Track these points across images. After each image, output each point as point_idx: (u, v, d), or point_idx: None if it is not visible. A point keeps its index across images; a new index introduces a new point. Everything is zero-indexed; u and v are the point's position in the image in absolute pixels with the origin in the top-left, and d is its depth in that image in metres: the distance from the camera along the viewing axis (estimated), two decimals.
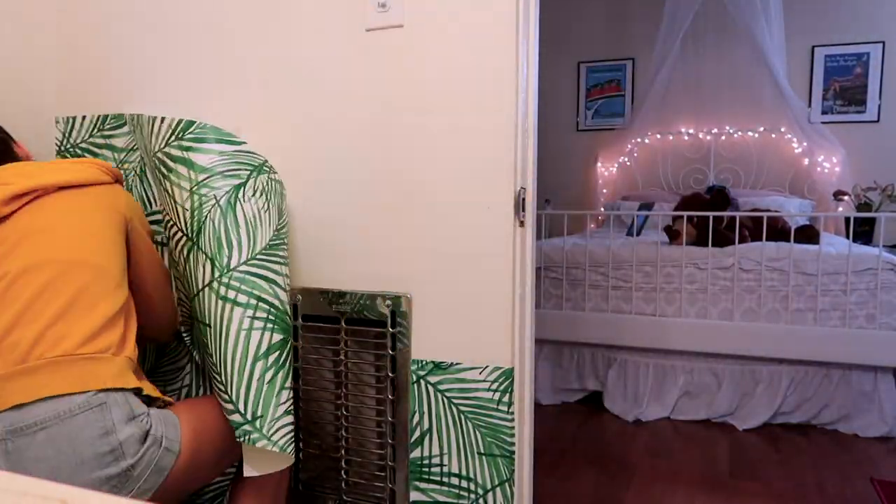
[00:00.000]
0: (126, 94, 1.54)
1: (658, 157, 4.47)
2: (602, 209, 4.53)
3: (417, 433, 1.34)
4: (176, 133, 1.17)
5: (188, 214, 1.14)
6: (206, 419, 1.12)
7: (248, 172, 1.19)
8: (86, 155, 1.56)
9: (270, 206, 1.20)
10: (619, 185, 4.62)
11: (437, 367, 1.31)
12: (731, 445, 2.39)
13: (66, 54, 1.60)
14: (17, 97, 1.58)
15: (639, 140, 4.51)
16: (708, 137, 4.33)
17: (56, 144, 1.60)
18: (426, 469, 1.34)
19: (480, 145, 1.26)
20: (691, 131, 4.39)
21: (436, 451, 1.32)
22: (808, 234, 2.82)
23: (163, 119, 1.19)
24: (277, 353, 1.14)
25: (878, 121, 4.02)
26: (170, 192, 1.17)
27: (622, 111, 4.63)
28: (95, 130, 1.55)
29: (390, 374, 1.35)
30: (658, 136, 4.47)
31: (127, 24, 1.54)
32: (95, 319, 1.00)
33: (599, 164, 4.67)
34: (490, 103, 1.24)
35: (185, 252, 1.15)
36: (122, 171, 1.23)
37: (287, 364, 1.17)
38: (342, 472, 1.42)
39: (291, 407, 1.14)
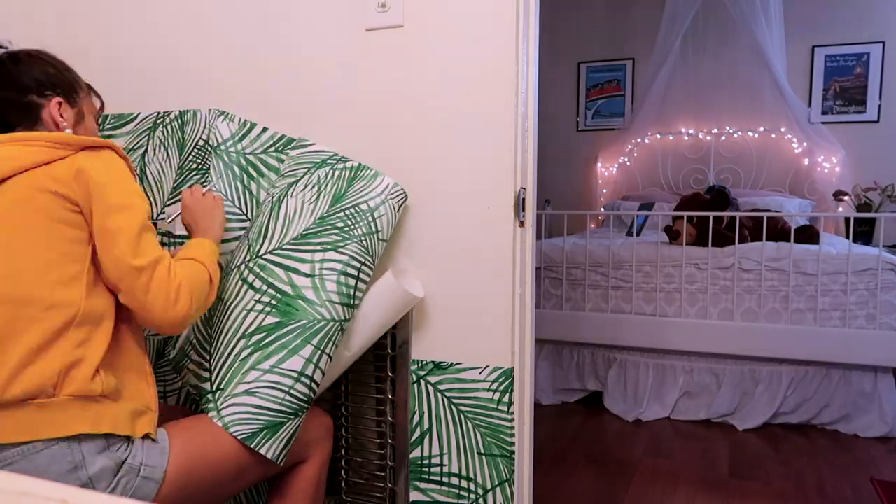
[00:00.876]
0: (126, 93, 1.54)
1: (658, 157, 4.47)
2: (602, 209, 4.53)
3: (417, 433, 1.34)
4: (276, 145, 1.36)
5: (258, 210, 1.32)
6: (204, 442, 1.04)
7: (305, 170, 1.29)
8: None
9: (322, 195, 1.26)
10: (619, 185, 4.61)
11: (437, 367, 1.31)
12: (731, 445, 2.39)
13: (66, 54, 1.60)
14: None
15: (639, 140, 4.51)
16: (708, 137, 4.33)
17: None
18: (426, 469, 1.34)
19: (480, 145, 1.26)
20: (691, 131, 4.39)
21: (436, 451, 1.32)
22: (808, 235, 2.82)
23: (265, 129, 1.38)
24: (263, 334, 1.14)
25: (878, 121, 4.02)
26: (254, 192, 1.35)
27: (622, 111, 4.63)
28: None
29: (390, 374, 1.35)
30: (658, 136, 4.47)
31: (128, 25, 1.54)
32: (13, 357, 0.88)
33: (599, 164, 4.66)
34: (490, 103, 1.24)
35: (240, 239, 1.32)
36: (106, 140, 1.02)
37: (270, 347, 1.12)
38: (342, 472, 1.42)
39: (257, 389, 1.09)
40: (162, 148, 1.49)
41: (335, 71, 1.36)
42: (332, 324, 1.15)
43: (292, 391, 1.10)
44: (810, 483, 2.07)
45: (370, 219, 1.21)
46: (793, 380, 2.55)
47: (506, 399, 1.26)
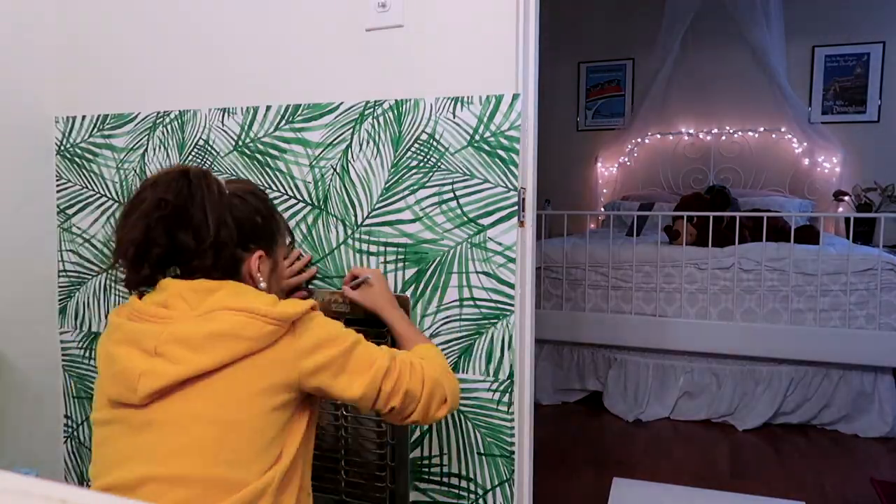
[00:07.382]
0: (126, 93, 1.54)
1: (658, 157, 4.47)
2: (602, 209, 4.53)
3: (417, 433, 1.34)
4: (286, 117, 1.37)
5: (311, 186, 1.36)
6: None
7: (350, 130, 1.33)
8: (86, 155, 1.55)
9: (381, 144, 1.30)
10: (619, 185, 4.61)
11: None
12: (731, 445, 2.39)
13: (66, 53, 1.60)
14: (16, 96, 1.58)
15: (639, 140, 4.51)
16: (708, 137, 4.33)
17: (56, 144, 1.60)
18: (426, 469, 1.34)
19: None
20: (691, 131, 4.39)
21: (436, 451, 1.32)
22: (808, 235, 2.82)
23: (268, 107, 1.39)
24: (413, 286, 1.29)
25: (878, 121, 4.02)
26: (284, 170, 1.38)
27: (622, 111, 4.63)
28: (95, 130, 1.55)
29: None
30: (658, 136, 4.47)
31: (127, 24, 1.54)
32: None
33: (599, 164, 4.67)
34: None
35: (312, 219, 1.37)
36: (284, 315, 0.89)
37: (426, 292, 1.27)
38: (342, 472, 1.42)
39: (439, 329, 1.27)
40: (162, 147, 1.49)
41: (335, 71, 1.35)
42: (459, 246, 1.26)
43: (463, 316, 1.26)
44: (810, 483, 2.07)
45: (434, 142, 1.27)
46: (793, 380, 2.55)
47: (506, 399, 1.26)
